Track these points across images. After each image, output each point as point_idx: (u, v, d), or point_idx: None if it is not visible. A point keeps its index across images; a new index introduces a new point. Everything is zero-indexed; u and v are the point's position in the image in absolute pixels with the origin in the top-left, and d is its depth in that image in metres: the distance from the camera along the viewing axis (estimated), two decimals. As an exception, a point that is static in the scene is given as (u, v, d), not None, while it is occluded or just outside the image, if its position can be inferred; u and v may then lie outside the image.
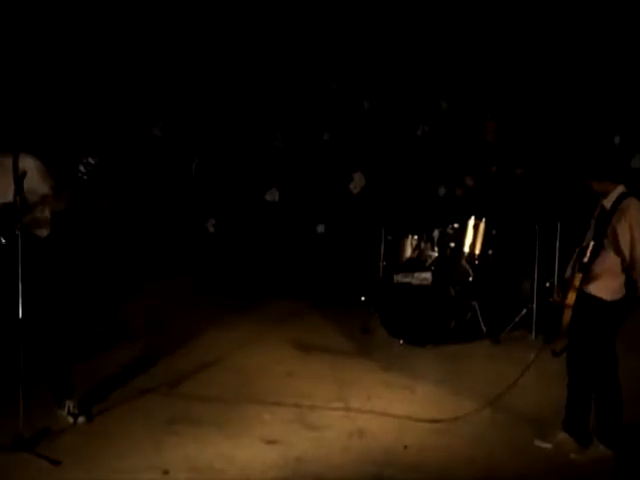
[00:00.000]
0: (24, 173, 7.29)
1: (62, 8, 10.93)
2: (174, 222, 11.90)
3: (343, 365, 8.87)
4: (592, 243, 6.78)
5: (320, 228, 12.06)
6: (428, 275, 9.52)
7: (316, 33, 11.70)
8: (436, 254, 9.72)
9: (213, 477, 6.75)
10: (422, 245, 9.77)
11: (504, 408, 7.56)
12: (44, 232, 7.60)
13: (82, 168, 7.34)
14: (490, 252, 9.85)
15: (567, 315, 6.80)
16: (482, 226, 9.79)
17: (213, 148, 11.99)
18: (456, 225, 9.81)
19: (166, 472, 6.75)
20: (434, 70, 11.71)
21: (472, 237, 9.81)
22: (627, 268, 6.69)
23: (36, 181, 7.59)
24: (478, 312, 9.58)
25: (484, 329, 9.53)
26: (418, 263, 9.66)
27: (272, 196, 12.02)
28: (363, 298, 10.10)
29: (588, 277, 6.74)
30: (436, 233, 9.79)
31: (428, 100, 11.81)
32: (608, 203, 6.76)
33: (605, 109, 11.37)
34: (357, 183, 11.94)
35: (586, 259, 6.75)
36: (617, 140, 11.59)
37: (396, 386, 8.39)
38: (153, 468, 6.79)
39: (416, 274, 9.56)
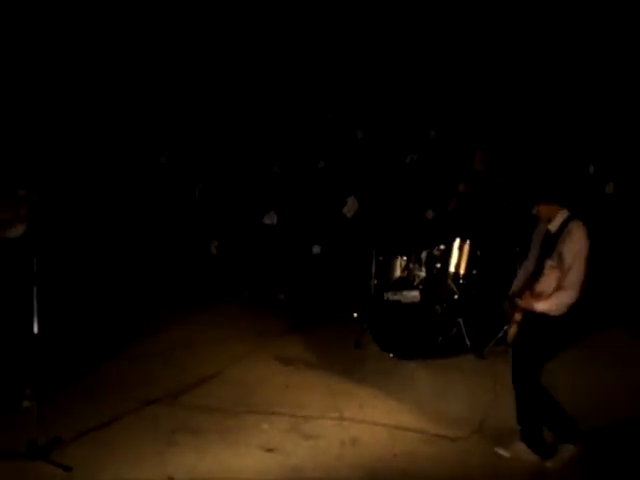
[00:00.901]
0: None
1: (68, 35, 10.87)
2: (179, 243, 11.87)
3: (337, 377, 8.82)
4: (535, 263, 6.80)
5: (316, 249, 12.02)
6: (416, 293, 9.48)
7: (314, 67, 11.69)
8: (424, 274, 9.68)
9: (213, 484, 6.70)
10: (411, 265, 9.73)
11: (489, 417, 7.50)
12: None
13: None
14: (474, 272, 9.81)
15: (513, 330, 6.81)
16: (467, 248, 9.76)
17: (216, 174, 11.98)
18: (442, 247, 9.79)
19: (170, 479, 6.70)
20: (423, 102, 11.70)
21: (457, 258, 9.78)
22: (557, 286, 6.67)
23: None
24: (463, 328, 9.53)
25: (469, 344, 9.48)
26: (407, 282, 9.62)
27: (270, 219, 11.99)
28: (355, 314, 10.08)
29: (533, 295, 6.71)
30: (424, 254, 9.76)
31: (417, 130, 11.80)
32: (554, 226, 6.74)
33: (581, 138, 11.35)
34: (350, 207, 11.92)
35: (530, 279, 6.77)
36: (592, 169, 11.56)
37: (387, 397, 8.34)
38: (157, 477, 6.73)
39: (405, 292, 9.54)
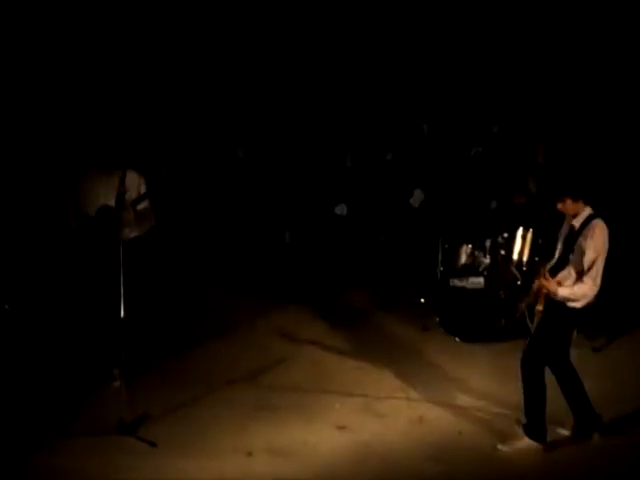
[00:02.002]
0: (124, 192, 7.44)
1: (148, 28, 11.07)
2: (255, 233, 11.98)
3: (405, 359, 8.89)
4: (558, 257, 6.91)
5: (384, 239, 12.04)
6: (481, 280, 9.52)
7: (382, 67, 11.72)
8: (488, 261, 9.68)
9: (290, 458, 6.84)
10: (475, 253, 9.73)
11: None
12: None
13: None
14: (537, 259, 9.79)
15: (536, 320, 6.95)
16: (529, 236, 9.73)
17: (291, 168, 12.07)
18: (506, 235, 9.76)
19: (250, 454, 6.86)
20: (487, 98, 11.66)
21: (520, 246, 9.74)
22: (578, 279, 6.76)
23: (135, 197, 7.72)
24: (526, 313, 9.52)
25: (531, 328, 9.47)
26: (472, 269, 9.66)
27: (341, 210, 12.05)
28: (423, 300, 10.11)
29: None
30: (488, 242, 9.75)
31: (481, 124, 11.75)
32: (577, 223, 6.79)
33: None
34: (417, 198, 11.92)
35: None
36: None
37: (452, 378, 8.40)
38: (238, 449, 6.91)
39: (470, 279, 9.57)
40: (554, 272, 6.84)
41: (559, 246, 7.00)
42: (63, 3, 10.40)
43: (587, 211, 6.83)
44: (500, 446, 6.94)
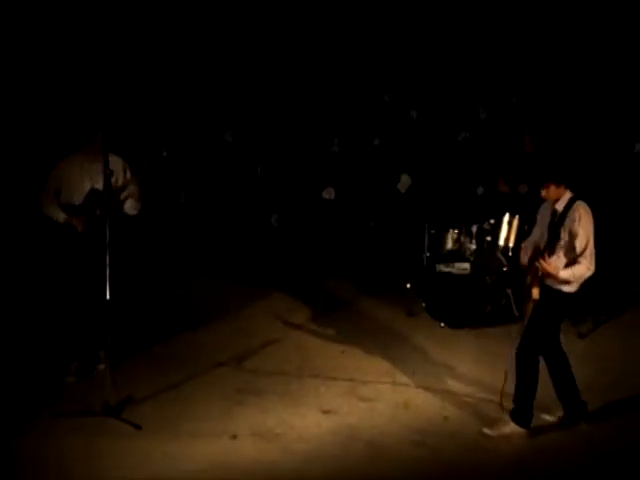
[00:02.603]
0: (111, 172, 7.39)
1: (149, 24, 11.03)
2: (242, 217, 11.96)
3: (391, 344, 8.88)
4: (545, 243, 6.83)
5: (371, 223, 12.04)
6: (467, 265, 9.51)
7: (371, 53, 11.69)
8: (474, 246, 9.67)
9: (275, 441, 6.81)
10: (462, 238, 9.72)
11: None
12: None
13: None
14: (523, 245, 9.78)
15: (530, 307, 6.87)
16: (515, 222, 9.73)
17: (277, 152, 12.04)
18: (492, 221, 9.76)
19: (234, 436, 6.84)
20: (474, 83, 11.65)
21: (506, 232, 9.74)
22: (573, 261, 6.72)
23: (121, 182, 7.72)
24: (511, 298, 9.53)
25: (517, 314, 9.46)
26: (458, 254, 9.64)
27: (329, 194, 12.03)
28: (409, 285, 10.09)
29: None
30: (474, 228, 9.74)
31: (468, 110, 11.75)
32: (560, 206, 6.79)
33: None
34: (404, 183, 11.92)
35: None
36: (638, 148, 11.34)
37: (438, 363, 8.39)
38: (223, 433, 6.88)
39: (456, 264, 9.56)
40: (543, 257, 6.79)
41: (544, 232, 6.95)
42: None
43: (568, 194, 6.83)
44: (486, 430, 6.93)
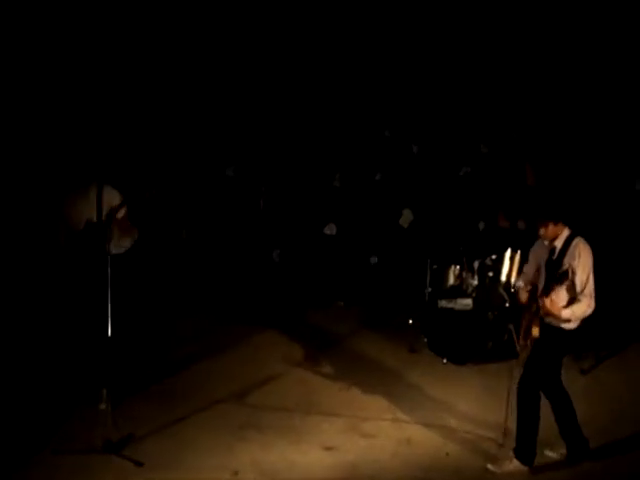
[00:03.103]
0: (115, 208, 7.41)
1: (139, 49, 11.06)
2: (244, 252, 11.96)
3: (393, 380, 8.87)
4: (544, 281, 6.84)
5: (373, 259, 12.04)
6: (469, 301, 9.51)
7: (372, 88, 11.75)
8: (476, 282, 9.67)
9: (276, 478, 6.80)
10: (464, 274, 9.72)
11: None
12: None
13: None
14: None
15: (529, 345, 6.94)
16: (517, 257, 9.73)
17: (279, 187, 12.07)
18: (494, 256, 9.77)
19: (236, 473, 6.83)
20: (475, 118, 11.69)
21: (508, 267, 9.74)
22: (573, 299, 6.74)
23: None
24: (514, 334, 9.51)
25: (519, 350, 9.45)
26: (460, 290, 9.64)
27: (330, 230, 12.04)
28: (411, 321, 10.08)
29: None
30: (476, 263, 9.74)
31: (470, 145, 11.78)
32: (559, 243, 6.81)
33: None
34: (406, 218, 11.93)
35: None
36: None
37: (439, 400, 8.37)
38: (225, 469, 6.87)
39: (458, 300, 9.56)
40: (543, 295, 6.79)
41: (541, 270, 6.96)
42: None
43: (566, 231, 6.85)
44: (490, 466, 6.92)
